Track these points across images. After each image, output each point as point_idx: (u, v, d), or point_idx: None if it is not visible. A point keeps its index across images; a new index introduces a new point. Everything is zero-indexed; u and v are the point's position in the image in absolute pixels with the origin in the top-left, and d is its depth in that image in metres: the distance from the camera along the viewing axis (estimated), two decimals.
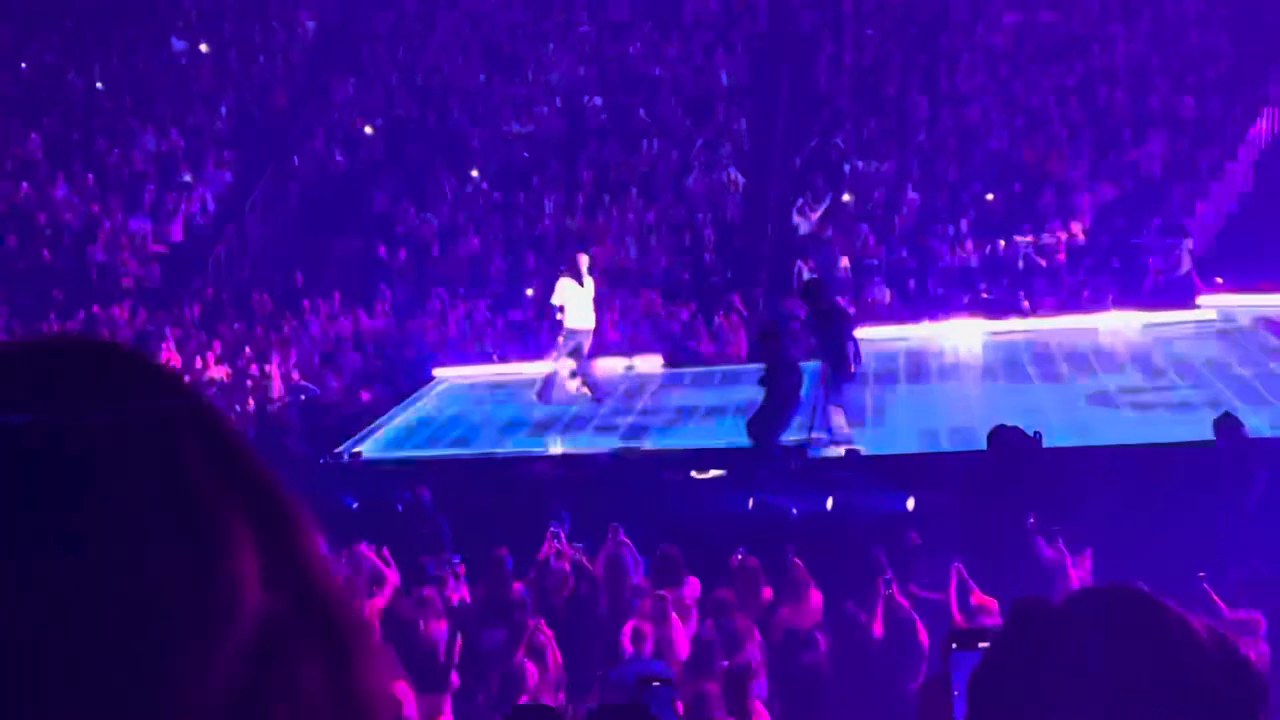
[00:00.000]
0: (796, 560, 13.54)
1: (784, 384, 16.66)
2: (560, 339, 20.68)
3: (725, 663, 11.80)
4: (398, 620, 12.70)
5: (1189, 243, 25.07)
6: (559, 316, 20.41)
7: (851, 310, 24.30)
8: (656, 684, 8.23)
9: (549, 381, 21.00)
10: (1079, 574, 12.96)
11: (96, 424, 0.98)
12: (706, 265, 27.34)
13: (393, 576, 13.59)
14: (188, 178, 30.15)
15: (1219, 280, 24.59)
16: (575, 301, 20.20)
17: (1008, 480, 15.09)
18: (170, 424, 1.02)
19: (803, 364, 17.28)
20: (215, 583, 0.97)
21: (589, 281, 20.49)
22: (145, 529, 0.97)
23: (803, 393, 17.11)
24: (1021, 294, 25.19)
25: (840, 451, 17.20)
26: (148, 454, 0.99)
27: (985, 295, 25.36)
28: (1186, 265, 24.79)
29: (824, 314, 17.11)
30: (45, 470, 0.96)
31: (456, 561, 13.95)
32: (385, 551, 14.31)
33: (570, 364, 20.91)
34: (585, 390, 21.09)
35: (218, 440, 1.03)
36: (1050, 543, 13.47)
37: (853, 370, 17.03)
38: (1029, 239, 26.40)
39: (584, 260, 21.04)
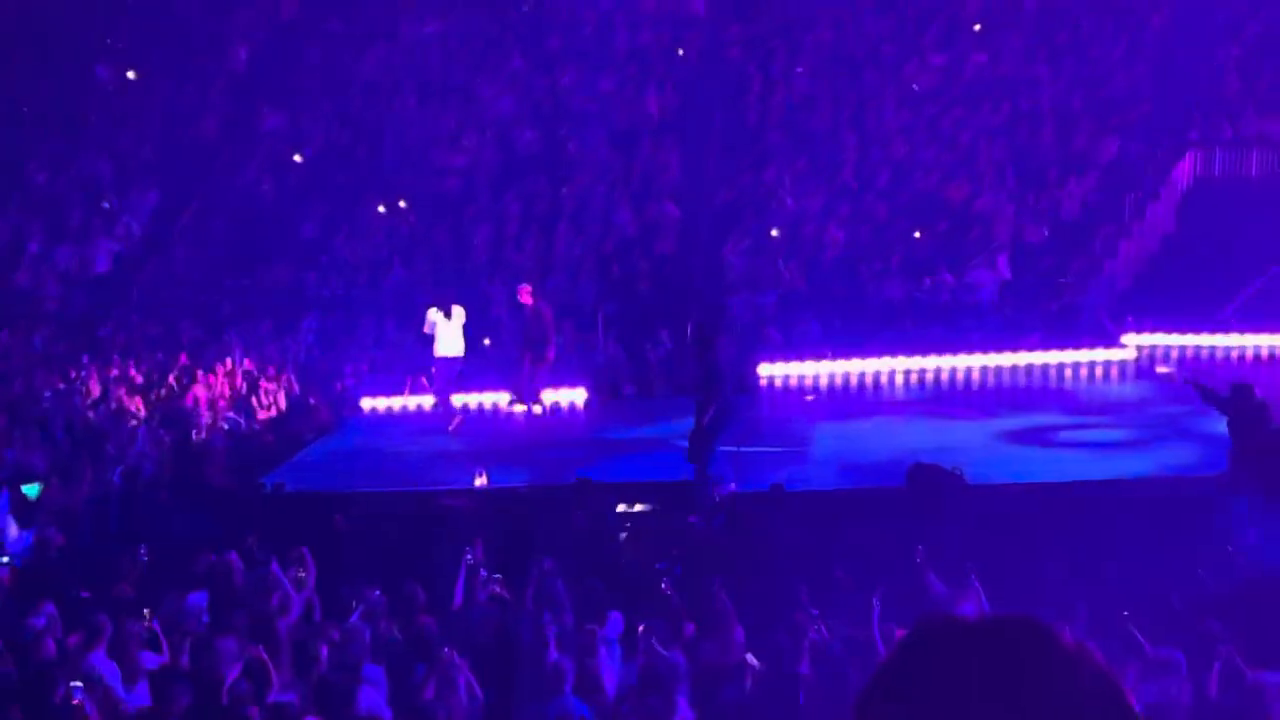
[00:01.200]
0: (720, 594, 13.53)
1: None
2: (433, 370, 22.24)
3: (654, 697, 11.79)
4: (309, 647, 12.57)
5: None
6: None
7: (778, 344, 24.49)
8: None
9: (450, 413, 22.06)
10: (968, 608, 13.00)
11: None
12: (636, 299, 27.36)
13: (297, 600, 13.49)
14: (108, 205, 29.86)
15: (1129, 319, 24.89)
16: (443, 332, 21.53)
17: (926, 516, 15.20)
18: None
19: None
20: None
21: (457, 312, 21.76)
22: None
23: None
24: (944, 331, 25.37)
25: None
26: None
27: (910, 332, 25.53)
28: None
29: (706, 364, 16.94)
30: None
31: (375, 596, 13.85)
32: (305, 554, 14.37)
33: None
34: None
35: None
36: (964, 579, 13.52)
37: (722, 422, 16.75)
38: (954, 277, 26.61)
39: (526, 290, 21.54)
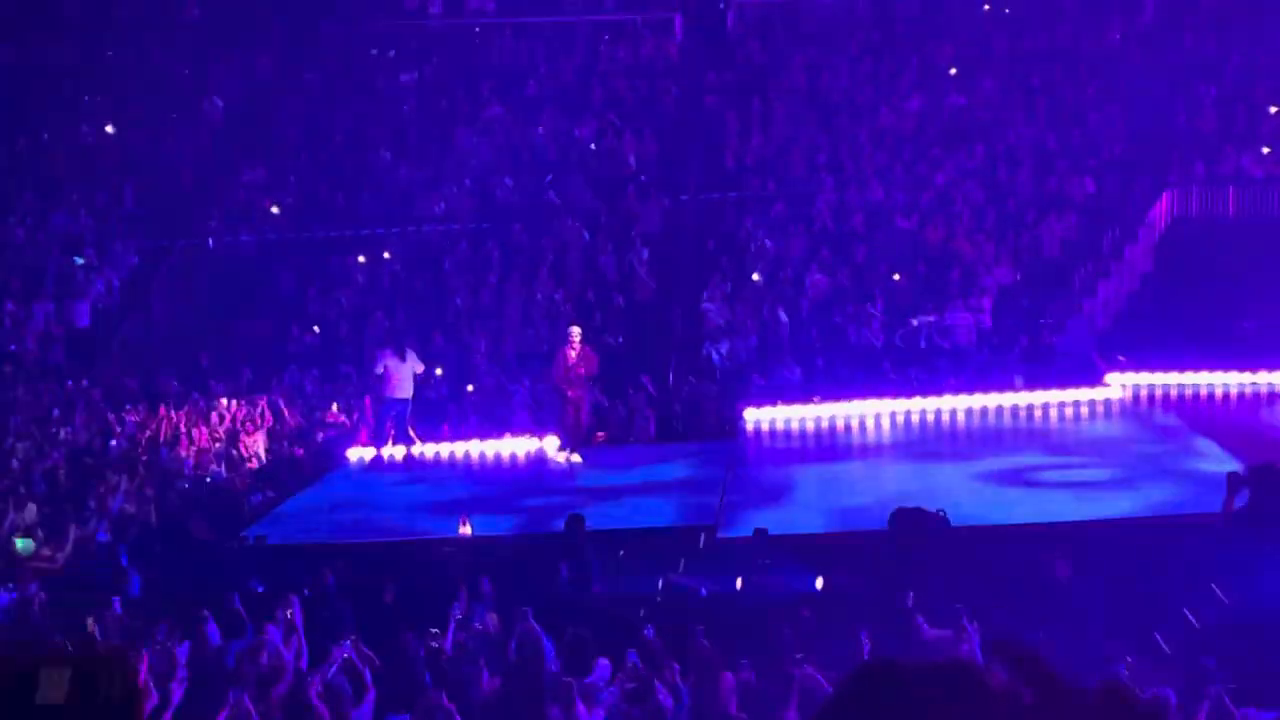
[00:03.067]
0: (704, 642, 13.49)
1: None
2: (378, 410, 22.81)
3: None
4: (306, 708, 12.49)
5: None
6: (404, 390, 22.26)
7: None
8: None
9: (407, 455, 22.59)
10: (967, 650, 13.00)
11: None
12: (616, 346, 27.36)
13: (290, 661, 13.41)
14: (83, 260, 29.80)
15: (1121, 359, 25.01)
16: (396, 374, 22.01)
17: (909, 559, 15.19)
18: None
19: None
20: None
21: (411, 356, 22.29)
22: None
23: None
24: (924, 373, 25.43)
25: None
26: None
27: (891, 375, 25.57)
28: None
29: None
30: None
31: (347, 645, 13.73)
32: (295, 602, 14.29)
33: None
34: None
35: None
36: (954, 620, 13.50)
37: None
38: (933, 319, 26.67)
39: (576, 332, 21.94)
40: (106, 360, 27.77)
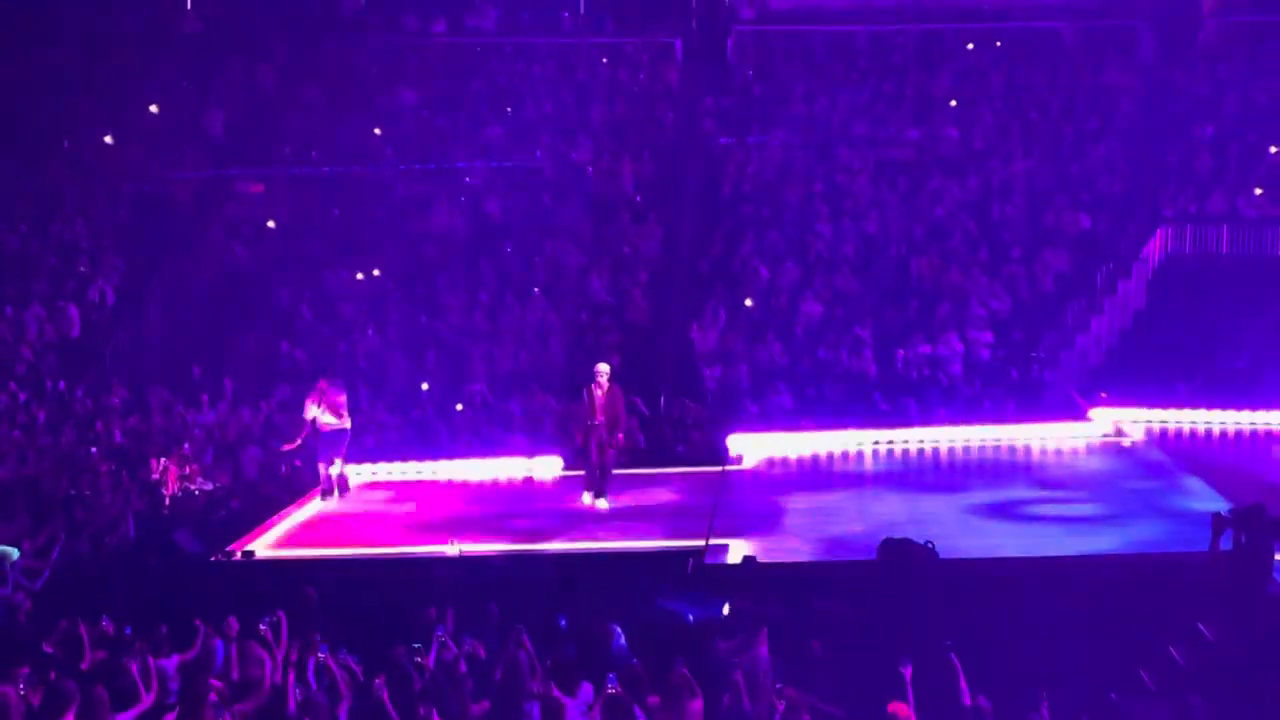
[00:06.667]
0: (683, 671, 13.43)
1: None
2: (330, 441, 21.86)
3: None
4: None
5: None
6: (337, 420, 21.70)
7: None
8: None
9: (342, 481, 22.22)
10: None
11: None
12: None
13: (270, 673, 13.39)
14: (83, 269, 29.77)
15: (1103, 395, 25.09)
16: (342, 402, 21.62)
17: (897, 590, 15.22)
18: None
19: None
20: None
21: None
22: None
23: None
24: (913, 404, 25.47)
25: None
26: None
27: (883, 406, 25.61)
28: None
29: None
30: None
31: (324, 648, 13.65)
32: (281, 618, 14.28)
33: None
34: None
35: None
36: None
37: None
38: (924, 350, 26.69)
39: (604, 369, 21.05)
40: (98, 370, 27.70)
